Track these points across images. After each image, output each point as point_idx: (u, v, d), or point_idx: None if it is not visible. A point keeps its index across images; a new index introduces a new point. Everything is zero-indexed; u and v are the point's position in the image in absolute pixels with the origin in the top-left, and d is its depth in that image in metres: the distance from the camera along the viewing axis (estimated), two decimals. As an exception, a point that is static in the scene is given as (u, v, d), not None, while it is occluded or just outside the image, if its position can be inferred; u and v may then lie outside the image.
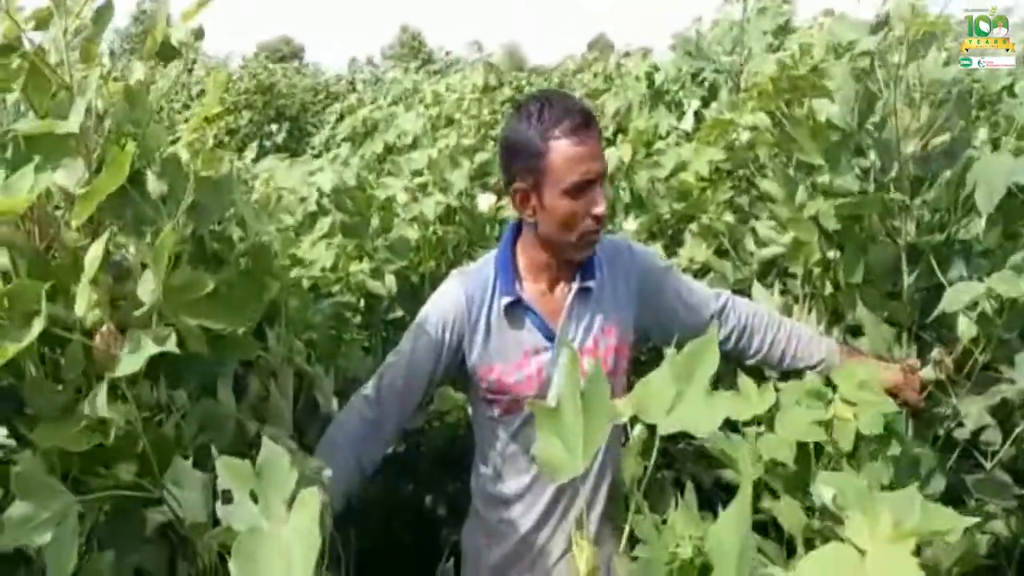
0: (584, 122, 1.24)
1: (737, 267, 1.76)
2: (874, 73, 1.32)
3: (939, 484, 1.14)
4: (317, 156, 4.71)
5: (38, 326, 0.68)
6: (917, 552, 0.63)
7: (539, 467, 0.78)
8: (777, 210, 1.54)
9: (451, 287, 1.36)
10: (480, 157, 2.65)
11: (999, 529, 1.25)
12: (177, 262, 0.81)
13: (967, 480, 1.26)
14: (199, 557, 0.92)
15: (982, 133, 1.47)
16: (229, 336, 1.02)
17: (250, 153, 3.61)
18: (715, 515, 1.18)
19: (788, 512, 1.04)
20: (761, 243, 1.66)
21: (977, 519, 1.13)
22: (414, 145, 3.23)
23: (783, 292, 1.62)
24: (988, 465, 1.28)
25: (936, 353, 1.28)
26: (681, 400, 0.80)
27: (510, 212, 2.26)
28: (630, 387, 1.42)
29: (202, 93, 7.98)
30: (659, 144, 2.28)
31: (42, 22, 0.86)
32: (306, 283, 1.67)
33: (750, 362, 1.46)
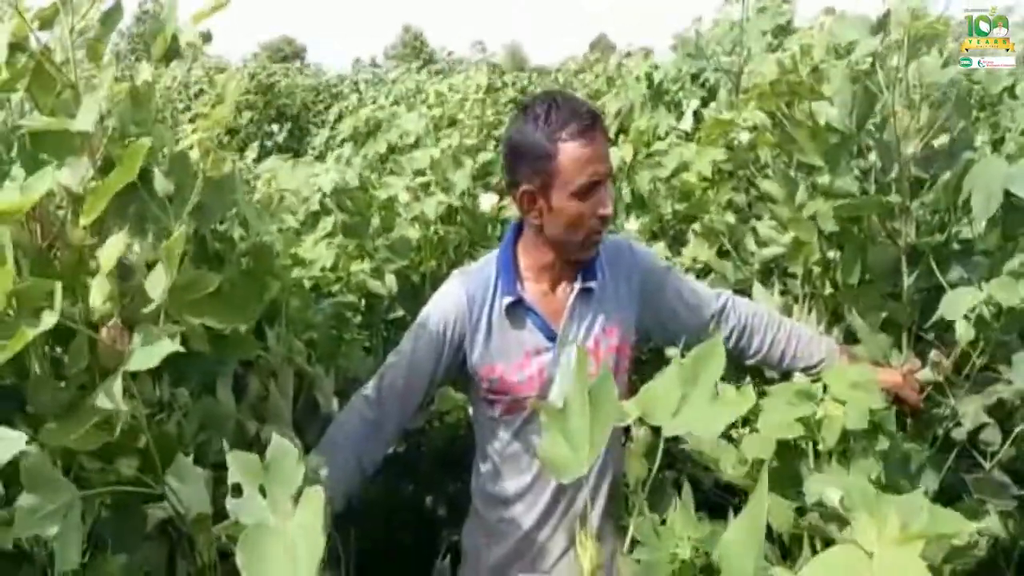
0: (591, 123, 1.24)
1: (738, 267, 1.76)
2: (874, 74, 1.32)
3: (931, 481, 1.14)
4: (318, 157, 4.71)
5: (50, 318, 0.69)
6: None
7: (544, 466, 0.78)
8: (777, 210, 1.54)
9: (452, 287, 1.36)
10: (482, 157, 2.65)
11: (998, 529, 1.25)
12: (181, 261, 0.81)
13: (966, 480, 1.26)
14: (198, 554, 0.93)
15: (983, 135, 1.47)
16: (230, 335, 1.03)
17: (251, 153, 3.62)
18: (711, 515, 1.19)
19: (777, 511, 1.04)
20: (762, 243, 1.67)
21: (983, 524, 1.14)
22: (416, 145, 3.24)
23: (783, 292, 1.62)
24: (987, 465, 1.28)
25: (934, 354, 1.28)
26: (687, 402, 0.81)
27: (512, 212, 2.27)
28: (631, 387, 1.44)
29: (201, 93, 7.98)
30: (658, 144, 2.28)
31: (46, 21, 0.86)
32: (307, 283, 1.68)
33: (750, 362, 1.47)
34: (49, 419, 0.81)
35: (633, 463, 1.11)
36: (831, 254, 1.48)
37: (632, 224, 2.06)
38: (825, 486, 0.94)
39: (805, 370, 1.42)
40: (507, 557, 1.39)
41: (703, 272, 1.86)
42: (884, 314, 1.40)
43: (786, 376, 1.46)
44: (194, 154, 0.90)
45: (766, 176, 1.64)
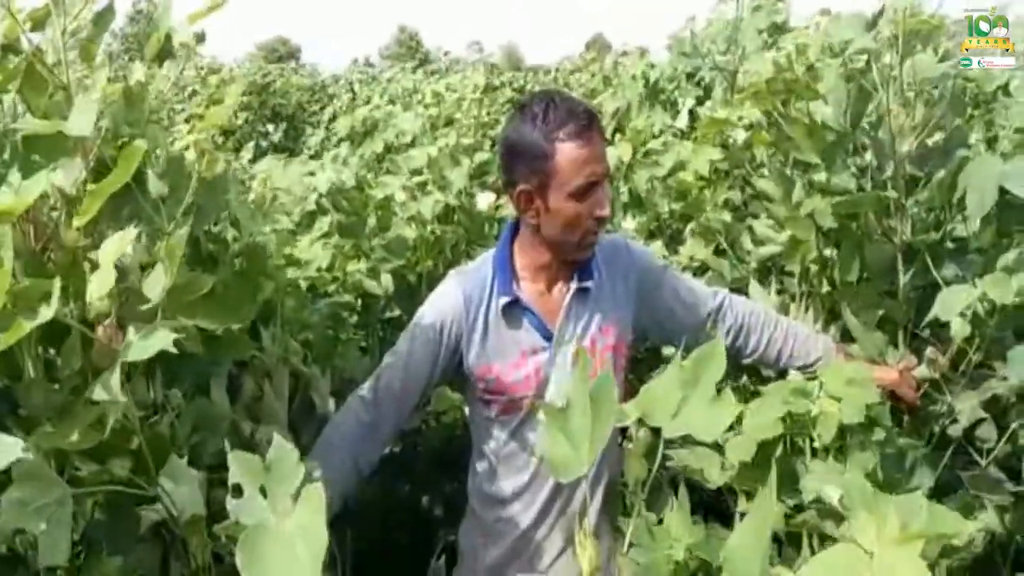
0: (588, 124, 1.23)
1: (734, 265, 1.76)
2: (869, 72, 1.32)
3: (927, 477, 1.14)
4: (314, 156, 4.71)
5: (47, 312, 0.68)
6: None
7: (544, 466, 0.78)
8: (774, 208, 1.54)
9: (449, 287, 1.36)
10: (479, 157, 2.65)
11: (994, 525, 1.26)
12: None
13: (962, 476, 1.27)
14: (192, 557, 0.93)
15: (977, 132, 1.47)
16: (224, 336, 1.02)
17: (247, 154, 3.61)
18: (709, 515, 1.19)
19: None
20: (758, 242, 1.67)
21: (982, 524, 1.14)
22: (413, 145, 3.24)
23: (780, 291, 1.62)
24: (983, 462, 1.29)
25: (931, 351, 1.28)
26: (686, 404, 0.81)
27: (509, 211, 2.27)
28: (628, 386, 1.43)
29: (194, 94, 7.96)
30: (652, 143, 2.28)
31: (38, 22, 0.86)
32: (303, 283, 1.67)
33: (747, 361, 1.47)
34: (42, 421, 0.81)
35: (633, 463, 1.11)
36: (828, 252, 1.48)
37: (629, 223, 2.06)
38: (822, 483, 0.94)
39: (802, 368, 1.42)
40: (504, 557, 1.39)
41: (700, 271, 1.87)
42: (880, 312, 1.40)
43: (783, 374, 1.46)
44: (190, 155, 0.90)
45: (762, 175, 1.64)
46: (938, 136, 1.31)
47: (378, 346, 1.92)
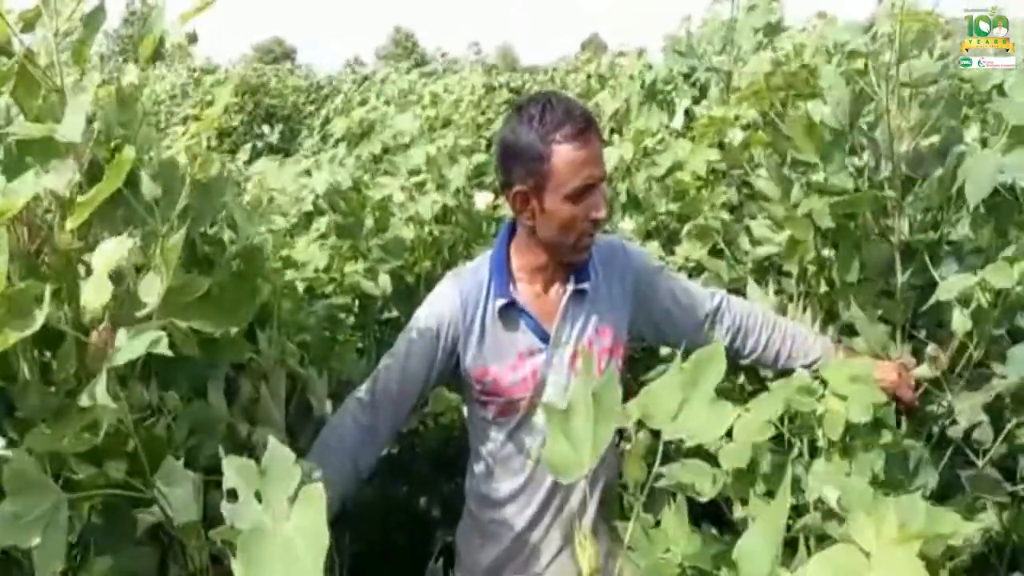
0: (586, 126, 1.23)
1: (732, 266, 1.76)
2: (868, 73, 1.32)
3: (930, 478, 1.14)
4: (310, 157, 4.69)
5: (39, 319, 0.68)
6: None
7: (544, 467, 0.78)
8: (772, 209, 1.54)
9: (446, 289, 1.36)
10: (476, 158, 2.64)
11: (991, 524, 1.26)
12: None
13: (961, 476, 1.27)
14: (189, 559, 0.92)
15: (973, 131, 1.47)
16: (220, 338, 1.02)
17: (243, 155, 3.61)
18: (706, 516, 1.18)
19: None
20: (756, 242, 1.66)
21: (981, 524, 1.14)
22: (410, 146, 3.23)
23: (778, 291, 1.62)
24: (980, 463, 1.29)
25: (931, 349, 1.28)
26: (687, 406, 0.81)
27: (507, 210, 2.26)
28: (624, 387, 1.43)
29: (186, 95, 7.95)
30: (648, 141, 2.28)
31: (28, 24, 0.85)
32: (300, 285, 1.67)
33: (745, 362, 1.47)
34: (38, 424, 0.81)
35: (632, 465, 1.11)
36: (826, 252, 1.48)
37: (627, 224, 2.05)
38: (823, 484, 0.94)
39: (801, 369, 1.42)
40: (500, 558, 1.39)
41: (696, 271, 1.86)
42: (878, 312, 1.40)
43: (781, 375, 1.46)
44: (183, 158, 0.90)
45: (760, 175, 1.63)
46: (934, 137, 1.31)
47: (375, 348, 1.91)
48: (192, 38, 0.96)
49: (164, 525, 0.92)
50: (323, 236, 1.97)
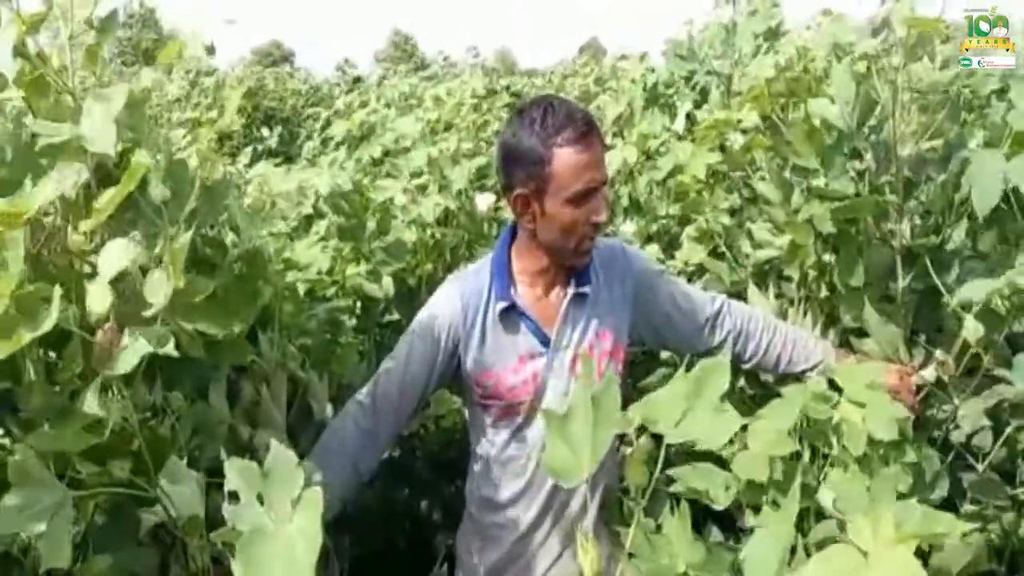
0: (587, 130, 1.23)
1: (733, 269, 1.76)
2: (872, 76, 1.32)
3: (944, 488, 1.14)
4: (310, 161, 4.70)
5: (48, 321, 0.68)
6: (925, 558, 0.64)
7: (544, 471, 0.78)
8: (773, 212, 1.54)
9: (447, 292, 1.36)
10: (478, 161, 2.65)
11: (993, 529, 1.26)
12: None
13: (964, 480, 1.27)
14: (191, 560, 0.92)
15: (976, 136, 1.47)
16: (222, 341, 1.02)
17: (243, 158, 3.61)
18: (710, 520, 1.18)
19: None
20: (757, 245, 1.66)
21: (976, 525, 1.14)
22: (411, 149, 3.23)
23: (778, 295, 1.62)
24: (980, 467, 1.29)
25: (940, 354, 1.27)
26: (690, 414, 0.81)
27: (509, 213, 2.26)
28: (624, 391, 1.43)
29: (188, 98, 7.95)
30: (651, 143, 2.28)
31: (35, 25, 0.86)
32: (302, 287, 1.66)
33: (746, 366, 1.47)
34: (43, 423, 0.81)
35: (633, 470, 1.11)
36: (826, 257, 1.48)
37: (628, 227, 2.06)
38: (840, 496, 0.94)
39: (802, 374, 1.42)
40: (501, 561, 1.39)
41: (696, 274, 1.87)
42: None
43: (782, 380, 1.46)
44: (193, 161, 0.90)
45: (761, 178, 1.64)
46: (936, 141, 1.31)
47: (376, 351, 1.91)
48: (211, 50, 0.97)
49: (166, 525, 0.92)
50: (323, 239, 1.97)
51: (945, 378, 1.27)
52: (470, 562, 1.43)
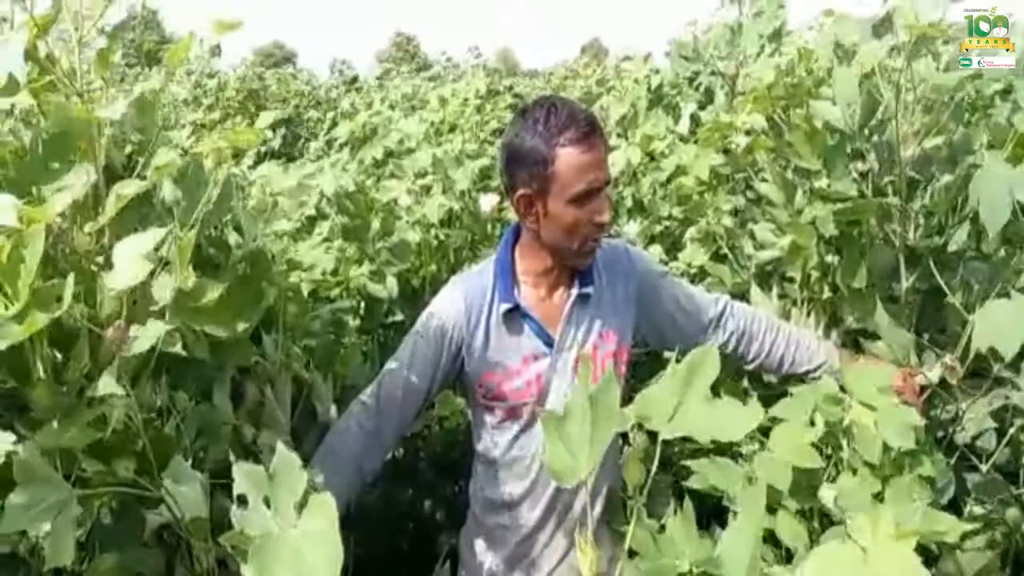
0: (590, 130, 1.23)
1: (735, 271, 1.76)
2: (876, 78, 1.32)
3: (951, 492, 1.13)
4: (315, 161, 4.70)
5: (58, 310, 0.69)
6: (931, 563, 0.63)
7: (545, 471, 0.78)
8: (776, 214, 1.54)
9: (450, 294, 1.36)
10: (481, 162, 2.65)
11: (998, 528, 1.26)
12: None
13: (967, 481, 1.26)
14: (196, 562, 0.93)
15: (982, 137, 1.47)
16: (227, 341, 1.02)
17: (247, 160, 3.61)
18: (710, 519, 1.17)
19: (786, 524, 1.03)
20: (759, 246, 1.66)
21: (976, 525, 1.14)
22: (415, 150, 3.24)
23: (781, 296, 1.62)
24: (983, 467, 1.28)
25: (949, 358, 1.27)
26: (682, 407, 0.81)
27: (513, 214, 2.26)
28: (628, 391, 1.43)
29: (195, 99, 7.97)
30: (655, 144, 2.28)
31: (45, 28, 0.86)
32: (306, 288, 1.67)
33: (750, 367, 1.47)
34: (49, 422, 0.81)
35: (631, 468, 1.11)
36: (829, 258, 1.48)
37: (631, 228, 2.06)
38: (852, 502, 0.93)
39: (805, 375, 1.42)
40: (505, 562, 1.39)
41: (698, 276, 1.87)
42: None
43: (785, 381, 1.46)
44: (209, 163, 0.91)
45: (763, 180, 1.64)
46: (937, 140, 1.31)
47: (379, 352, 1.92)
48: (215, 51, 0.97)
49: (171, 526, 0.92)
50: (327, 240, 1.97)
51: (952, 381, 1.26)
52: (473, 562, 1.43)
